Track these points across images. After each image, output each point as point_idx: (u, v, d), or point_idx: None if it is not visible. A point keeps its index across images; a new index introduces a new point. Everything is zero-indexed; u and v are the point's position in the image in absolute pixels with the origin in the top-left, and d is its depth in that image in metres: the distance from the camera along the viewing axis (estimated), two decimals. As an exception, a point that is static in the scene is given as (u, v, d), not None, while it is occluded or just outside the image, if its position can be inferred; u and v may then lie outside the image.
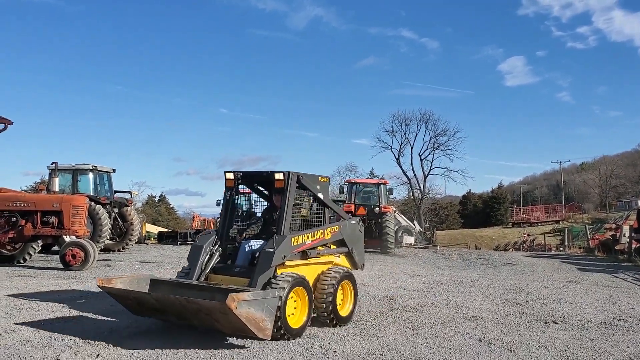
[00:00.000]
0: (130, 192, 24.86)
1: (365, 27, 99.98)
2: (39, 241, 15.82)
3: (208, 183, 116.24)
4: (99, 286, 7.27)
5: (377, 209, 24.71)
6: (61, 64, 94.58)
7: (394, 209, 28.61)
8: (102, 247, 18.87)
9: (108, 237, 19.20)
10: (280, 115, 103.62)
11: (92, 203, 18.01)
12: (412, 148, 65.78)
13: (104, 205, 19.60)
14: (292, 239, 7.46)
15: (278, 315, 6.69)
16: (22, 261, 15.75)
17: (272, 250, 7.15)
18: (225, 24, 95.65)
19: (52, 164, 17.91)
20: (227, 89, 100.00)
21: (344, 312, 8.23)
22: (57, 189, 17.59)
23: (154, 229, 36.91)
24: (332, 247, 8.47)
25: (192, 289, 7.11)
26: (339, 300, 8.08)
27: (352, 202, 25.28)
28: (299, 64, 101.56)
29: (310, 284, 7.58)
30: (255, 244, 7.88)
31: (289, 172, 7.64)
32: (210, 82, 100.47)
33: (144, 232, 29.10)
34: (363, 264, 9.07)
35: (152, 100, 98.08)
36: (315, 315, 7.81)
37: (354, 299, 8.42)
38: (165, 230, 37.20)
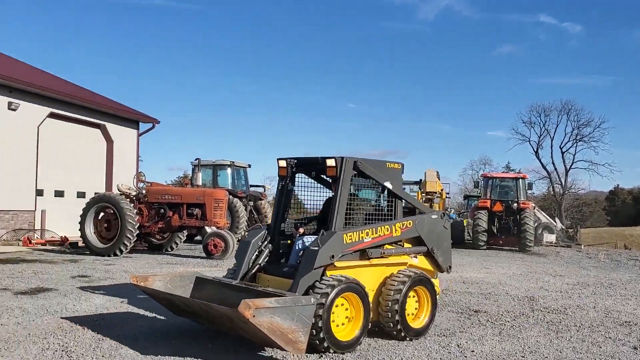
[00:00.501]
0: (263, 186, 26.00)
1: (500, 14, 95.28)
2: (184, 231, 17.03)
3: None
4: (132, 284, 6.88)
5: (515, 204, 23.48)
6: (199, 65, 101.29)
7: (533, 205, 27.00)
8: (240, 238, 19.89)
9: (245, 229, 20.19)
10: (409, 108, 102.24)
11: (231, 196, 19.04)
12: (552, 140, 62.07)
13: (240, 198, 20.73)
14: (344, 235, 6.34)
15: (320, 325, 5.70)
16: (169, 250, 17.11)
17: (316, 248, 6.14)
18: (354, 18, 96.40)
19: (195, 160, 19.25)
20: (355, 84, 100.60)
21: (416, 323, 6.89)
22: (200, 183, 18.83)
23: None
24: (407, 245, 7.22)
25: (233, 290, 6.42)
26: (410, 309, 6.84)
27: (488, 197, 24.23)
28: (430, 56, 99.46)
29: (374, 289, 6.65)
30: (310, 240, 6.76)
31: (342, 158, 6.60)
32: (338, 77, 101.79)
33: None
34: (449, 266, 7.63)
35: (280, 98, 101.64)
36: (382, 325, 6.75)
37: (431, 308, 7.03)
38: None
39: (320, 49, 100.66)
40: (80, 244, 16.62)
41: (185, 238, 17.94)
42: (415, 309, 6.95)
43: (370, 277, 6.66)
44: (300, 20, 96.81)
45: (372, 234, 6.65)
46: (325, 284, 5.91)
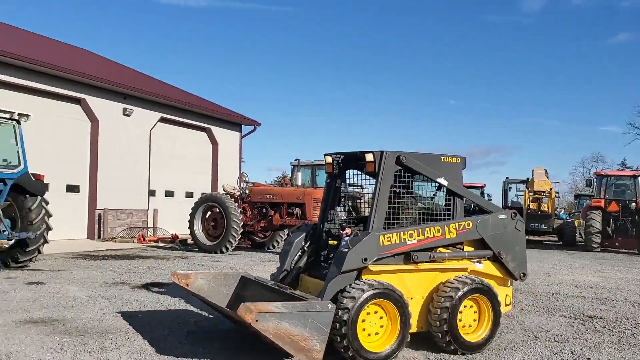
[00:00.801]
0: (361, 185, 25.96)
1: (615, 1, 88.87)
2: (284, 230, 17.43)
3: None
4: (174, 281, 6.85)
5: (634, 204, 21.78)
6: (298, 66, 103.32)
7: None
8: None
9: (344, 228, 20.27)
10: (513, 103, 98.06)
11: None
12: (674, 134, 56.72)
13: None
14: (381, 237, 5.79)
15: (344, 332, 5.26)
16: (271, 247, 17.60)
17: (345, 250, 5.70)
18: (454, 12, 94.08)
19: (295, 160, 19.62)
20: (456, 80, 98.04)
21: (472, 337, 6.12)
22: (299, 183, 19.18)
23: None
24: (468, 249, 6.46)
25: (268, 292, 6.19)
26: (467, 320, 6.12)
27: (602, 196, 22.67)
28: (534, 49, 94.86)
29: (423, 297, 6.07)
30: None
31: (381, 152, 6.07)
32: (438, 73, 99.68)
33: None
34: (523, 273, 6.68)
35: (381, 95, 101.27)
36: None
37: (492, 322, 6.20)
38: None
39: (419, 45, 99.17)
40: (189, 241, 17.51)
41: (286, 236, 18.35)
42: (474, 320, 6.20)
43: (418, 283, 6.08)
44: (397, 17, 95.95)
45: (418, 236, 6.03)
46: (353, 289, 5.44)
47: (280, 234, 17.80)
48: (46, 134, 17.29)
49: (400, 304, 5.62)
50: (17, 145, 11.58)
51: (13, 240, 11.22)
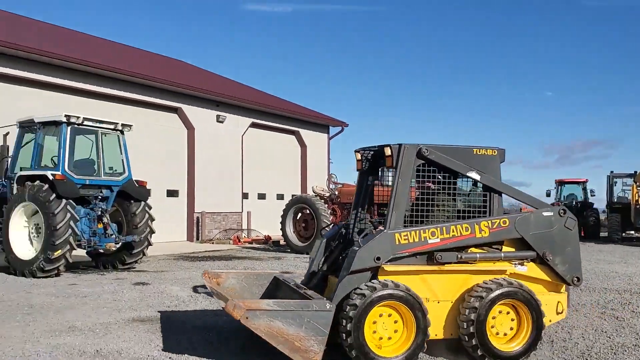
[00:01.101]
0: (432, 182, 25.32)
1: None
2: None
3: (533, 172, 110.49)
4: (204, 279, 6.83)
5: None
6: (385, 65, 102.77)
7: None
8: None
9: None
10: (616, 94, 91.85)
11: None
12: None
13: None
14: (397, 235, 5.41)
15: (348, 329, 5.06)
16: (363, 248, 17.54)
17: (356, 249, 5.39)
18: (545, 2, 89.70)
19: (384, 159, 19.51)
20: (552, 71, 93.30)
21: (506, 346, 5.57)
22: (390, 182, 19.04)
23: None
24: (507, 249, 5.84)
25: (291, 293, 6.06)
26: (502, 328, 5.56)
27: None
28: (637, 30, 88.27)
29: (452, 300, 5.61)
30: None
31: (399, 145, 5.70)
32: (535, 65, 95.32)
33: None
34: (577, 278, 5.88)
35: (476, 90, 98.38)
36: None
37: (531, 333, 5.57)
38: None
39: (510, 40, 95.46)
40: (282, 242, 17.87)
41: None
42: (511, 328, 5.62)
43: (445, 285, 5.62)
44: (486, 13, 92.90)
45: (442, 234, 5.54)
46: (365, 287, 5.20)
47: (371, 235, 17.74)
48: (147, 142, 18.28)
49: (416, 308, 5.25)
50: (121, 154, 12.35)
51: (120, 244, 11.95)
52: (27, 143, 11.87)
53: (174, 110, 20.26)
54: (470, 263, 5.63)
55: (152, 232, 12.43)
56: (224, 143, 21.74)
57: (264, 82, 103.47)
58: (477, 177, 5.83)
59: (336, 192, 17.52)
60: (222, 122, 21.60)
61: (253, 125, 23.23)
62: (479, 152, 5.91)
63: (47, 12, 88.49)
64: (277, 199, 24.43)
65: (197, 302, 8.52)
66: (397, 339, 5.30)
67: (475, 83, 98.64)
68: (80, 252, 12.26)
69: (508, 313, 5.59)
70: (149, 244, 12.43)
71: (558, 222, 5.89)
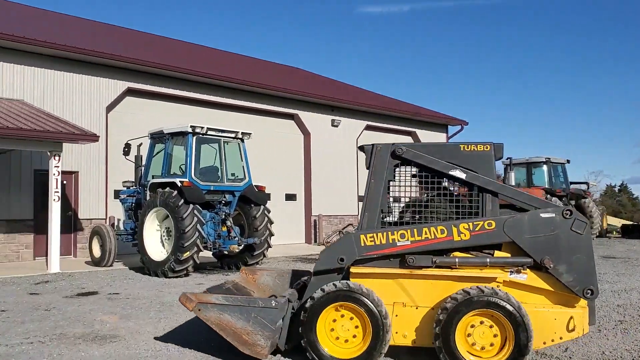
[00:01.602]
0: (587, 183, 23.64)
1: None
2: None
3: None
4: (240, 275, 6.92)
5: None
6: (507, 60, 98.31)
7: None
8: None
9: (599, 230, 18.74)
10: None
11: (549, 195, 17.85)
12: None
13: (560, 197, 19.26)
14: (362, 236, 5.25)
15: (301, 326, 5.15)
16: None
17: (322, 250, 5.40)
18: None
19: (507, 159, 18.62)
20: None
21: None
22: (513, 183, 18.13)
23: (617, 222, 33.91)
24: (502, 254, 5.23)
25: None
26: (482, 340, 4.97)
27: None
28: None
29: (432, 307, 5.15)
30: None
31: (372, 145, 5.60)
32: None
33: (604, 224, 27.08)
34: (589, 290, 5.02)
35: (597, 84, 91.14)
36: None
37: (512, 349, 4.87)
38: (630, 223, 33.68)
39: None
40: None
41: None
42: (491, 345, 4.98)
43: (423, 290, 5.21)
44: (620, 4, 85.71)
45: (413, 237, 5.20)
46: (317, 291, 5.19)
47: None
48: (266, 149, 18.96)
49: (370, 311, 5.04)
50: (242, 160, 12.92)
51: (242, 246, 12.48)
52: (157, 153, 12.79)
53: (291, 116, 20.84)
54: (452, 268, 5.17)
55: (271, 234, 12.86)
56: (339, 147, 21.97)
57: (380, 84, 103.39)
58: (461, 175, 5.34)
59: (457, 193, 17.00)
60: (337, 126, 21.85)
61: (368, 127, 23.24)
62: (468, 148, 5.44)
63: (158, 27, 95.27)
64: (394, 201, 24.17)
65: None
66: (356, 342, 5.18)
67: (610, 74, 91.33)
68: (207, 254, 12.98)
69: (491, 326, 4.98)
70: (269, 245, 12.88)
71: (562, 225, 5.12)
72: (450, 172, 5.38)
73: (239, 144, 12.97)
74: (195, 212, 11.39)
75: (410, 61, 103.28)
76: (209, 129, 12.27)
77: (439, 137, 26.70)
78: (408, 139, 25.53)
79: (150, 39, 23.30)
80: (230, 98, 18.67)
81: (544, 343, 5.06)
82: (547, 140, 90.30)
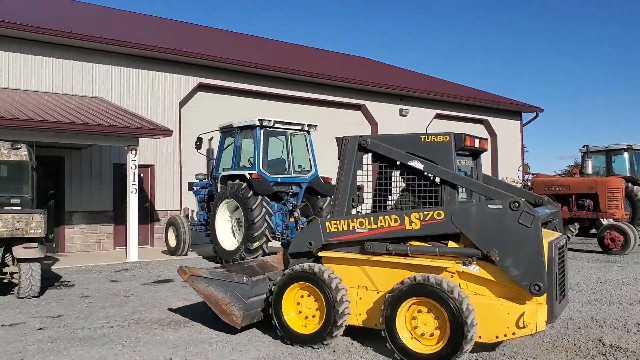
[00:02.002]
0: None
1: None
2: (575, 224, 15.91)
3: None
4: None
5: None
6: (582, 46, 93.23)
7: None
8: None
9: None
10: None
11: (630, 184, 16.90)
12: None
13: (642, 186, 18.18)
14: (327, 223, 5.73)
15: (270, 305, 5.94)
16: (560, 243, 16.20)
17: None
18: None
19: (583, 147, 17.83)
20: None
21: (426, 348, 5.10)
22: (590, 171, 17.32)
23: None
24: (454, 245, 5.25)
25: None
26: (426, 328, 5.15)
27: None
28: None
29: (379, 293, 5.54)
30: None
31: (342, 138, 6.09)
32: None
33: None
34: (535, 285, 4.83)
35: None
36: None
37: (448, 337, 4.94)
38: None
39: None
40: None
41: (577, 231, 16.73)
42: (431, 335, 5.13)
43: (382, 276, 5.57)
44: None
45: (370, 225, 5.52)
46: (287, 270, 5.93)
47: (571, 229, 16.25)
48: (332, 140, 18.98)
49: (323, 289, 5.57)
50: (308, 152, 13.04)
51: (310, 236, 12.59)
52: (227, 146, 13.13)
53: (358, 107, 20.78)
54: (407, 256, 5.42)
55: (338, 225, 12.91)
56: (408, 137, 21.71)
57: (449, 72, 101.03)
58: (419, 166, 5.54)
59: (529, 183, 16.42)
60: (405, 115, 21.60)
61: (437, 116, 22.82)
62: (428, 139, 5.67)
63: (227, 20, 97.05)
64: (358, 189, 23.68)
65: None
66: (316, 319, 5.73)
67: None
68: (276, 244, 13.22)
69: (437, 318, 5.10)
70: (335, 236, 12.95)
71: (509, 218, 4.96)
72: (409, 163, 5.62)
73: (305, 136, 13.09)
74: (264, 203, 11.62)
75: (480, 47, 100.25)
76: (276, 122, 12.44)
77: (512, 125, 25.85)
78: (480, 128, 24.88)
79: (218, 34, 23.88)
80: (296, 90, 18.86)
81: (497, 337, 5.03)
82: (630, 127, 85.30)
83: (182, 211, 15.53)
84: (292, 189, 12.72)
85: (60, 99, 13.93)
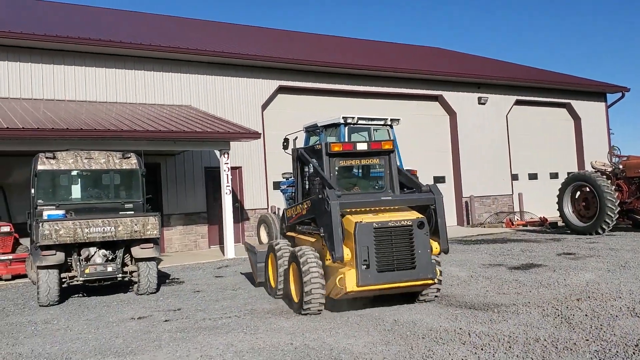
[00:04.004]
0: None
1: None
2: (674, 206, 15.21)
3: None
4: None
5: None
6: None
7: None
8: None
9: None
10: None
11: None
12: None
13: None
14: (286, 211, 8.42)
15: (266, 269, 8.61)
16: (659, 227, 15.53)
17: None
18: None
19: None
20: None
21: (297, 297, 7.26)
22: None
23: None
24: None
25: None
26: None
27: None
28: None
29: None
30: None
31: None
32: None
33: None
34: (331, 254, 6.58)
35: None
36: None
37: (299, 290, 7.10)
38: None
39: None
40: (560, 223, 16.87)
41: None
42: (293, 280, 7.41)
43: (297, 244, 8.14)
44: None
45: (295, 212, 7.90)
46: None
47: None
48: (411, 132, 19.08)
49: (278, 257, 8.02)
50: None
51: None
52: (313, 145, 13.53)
53: (435, 98, 20.71)
54: (304, 234, 7.98)
55: (424, 217, 13.00)
56: (488, 125, 21.40)
57: (529, 55, 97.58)
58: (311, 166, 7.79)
59: (620, 166, 15.81)
60: (484, 103, 21.30)
61: (517, 102, 22.34)
62: (318, 147, 7.64)
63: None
64: (551, 178, 23.05)
65: (477, 282, 8.74)
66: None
67: None
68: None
69: (294, 270, 7.32)
70: (423, 228, 13.05)
71: (322, 204, 6.89)
72: (311, 165, 7.55)
73: (388, 130, 13.26)
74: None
75: (559, 28, 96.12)
76: (359, 118, 12.70)
77: (596, 107, 24.86)
78: (562, 112, 24.13)
79: (290, 36, 24.44)
80: (373, 86, 19.05)
81: (336, 294, 6.81)
82: None
83: (270, 209, 16.11)
84: (378, 183, 12.93)
85: (153, 109, 14.85)
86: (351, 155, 7.51)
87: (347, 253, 6.55)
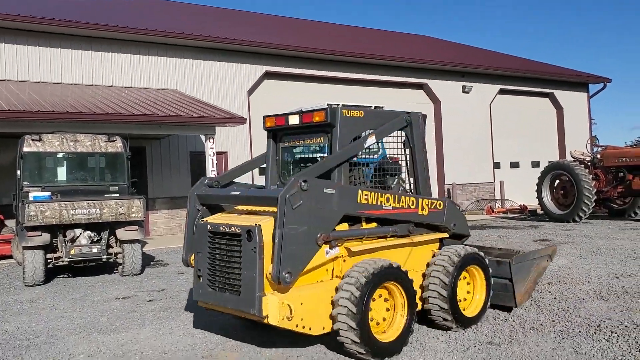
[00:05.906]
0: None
1: None
2: (649, 196, 15.64)
3: None
4: None
5: None
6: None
7: None
8: None
9: None
10: None
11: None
12: None
13: None
14: None
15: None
16: (632, 215, 15.94)
17: None
18: None
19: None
20: None
21: None
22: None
23: None
24: None
25: None
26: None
27: None
28: None
29: None
30: None
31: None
32: None
33: None
34: (183, 259, 5.76)
35: None
36: None
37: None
38: None
39: None
40: (539, 211, 17.25)
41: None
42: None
43: None
44: None
45: None
46: None
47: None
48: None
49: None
50: (376, 132, 13.43)
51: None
52: (298, 130, 13.70)
53: (420, 86, 20.92)
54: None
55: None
56: (471, 113, 21.67)
57: (513, 45, 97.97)
58: None
59: (598, 156, 16.20)
60: (468, 92, 21.56)
61: (501, 91, 22.63)
62: None
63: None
64: (532, 166, 23.44)
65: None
66: None
67: None
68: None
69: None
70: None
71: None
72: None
73: (372, 117, 13.47)
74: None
75: (542, 17, 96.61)
76: (344, 105, 12.87)
77: (579, 97, 25.25)
78: (545, 101, 24.49)
79: (279, 22, 24.44)
80: (359, 73, 19.19)
81: None
82: None
83: (255, 194, 16.22)
84: (362, 169, 13.15)
85: (139, 92, 14.89)
86: (285, 131, 5.89)
87: (192, 257, 5.37)
